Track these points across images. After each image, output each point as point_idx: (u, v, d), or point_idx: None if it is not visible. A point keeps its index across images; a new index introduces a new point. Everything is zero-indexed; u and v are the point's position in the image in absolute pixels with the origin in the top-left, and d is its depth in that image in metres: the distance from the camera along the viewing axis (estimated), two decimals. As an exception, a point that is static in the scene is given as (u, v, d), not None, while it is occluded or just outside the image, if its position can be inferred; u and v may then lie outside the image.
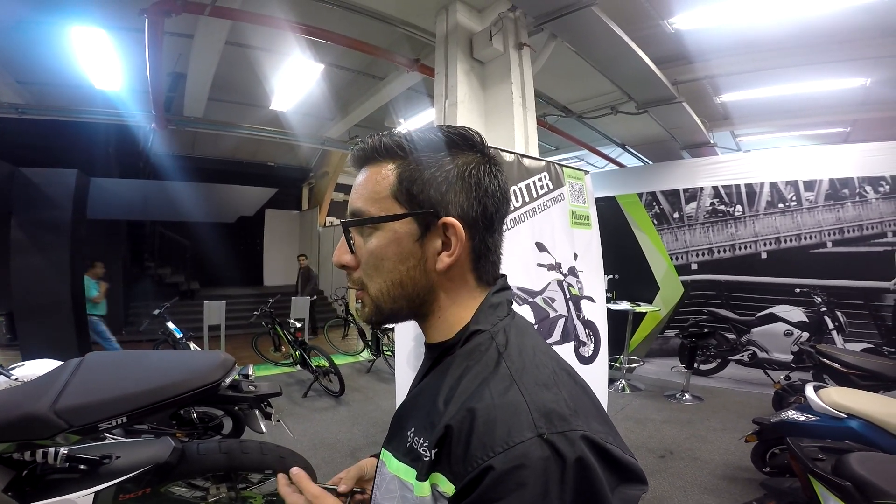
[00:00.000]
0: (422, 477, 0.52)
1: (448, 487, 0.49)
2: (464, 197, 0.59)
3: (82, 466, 1.52)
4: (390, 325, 5.65)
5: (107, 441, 1.82)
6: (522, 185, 2.74)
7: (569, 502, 0.43)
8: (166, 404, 1.63)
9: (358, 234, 0.62)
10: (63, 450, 1.49)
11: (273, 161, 11.36)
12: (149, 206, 9.12)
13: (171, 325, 4.89)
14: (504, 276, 0.68)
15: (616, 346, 4.45)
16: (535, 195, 2.79)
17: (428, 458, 0.52)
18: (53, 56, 4.69)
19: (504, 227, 0.66)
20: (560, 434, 0.46)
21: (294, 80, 5.29)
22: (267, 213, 12.62)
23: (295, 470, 0.72)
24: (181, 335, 4.79)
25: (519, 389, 0.50)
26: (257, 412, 2.25)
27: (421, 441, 0.54)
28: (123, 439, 2.03)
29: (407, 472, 0.56)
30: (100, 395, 1.50)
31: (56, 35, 4.29)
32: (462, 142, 0.61)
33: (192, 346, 4.78)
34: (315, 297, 8.26)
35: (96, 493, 1.48)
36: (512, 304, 0.66)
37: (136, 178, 9.11)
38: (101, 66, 4.67)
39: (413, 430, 0.57)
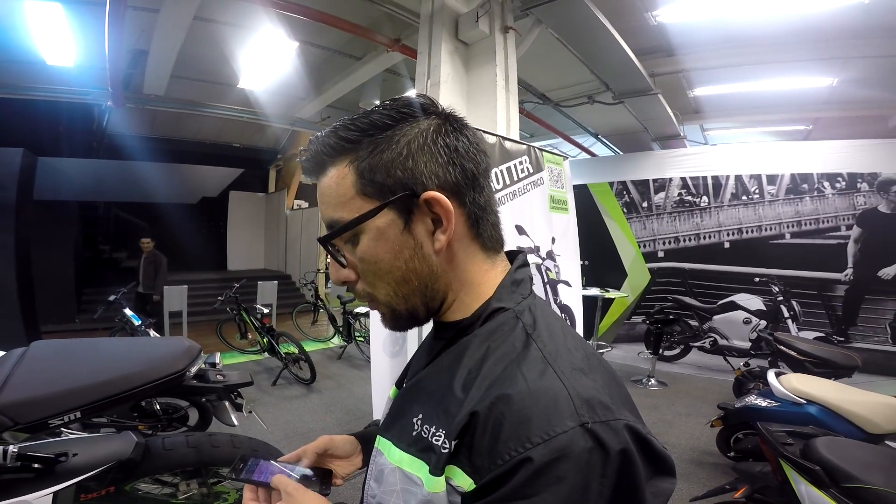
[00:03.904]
0: (436, 471, 0.47)
1: (464, 482, 0.45)
2: (435, 164, 0.52)
3: (36, 465, 1.39)
4: (363, 311, 5.46)
5: (62, 437, 1.68)
6: (503, 167, 2.72)
7: (608, 497, 0.40)
8: (125, 397, 1.51)
9: (343, 246, 0.56)
10: (13, 448, 1.35)
11: (239, 142, 10.89)
12: (103, 187, 8.67)
13: (128, 311, 4.62)
14: (524, 252, 0.63)
15: (585, 331, 4.53)
16: (515, 178, 2.78)
17: (447, 450, 0.47)
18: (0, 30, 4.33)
19: (491, 182, 0.60)
20: (604, 423, 0.42)
21: (265, 57, 5.05)
22: (231, 195, 12.24)
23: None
24: (139, 322, 4.52)
25: (556, 374, 0.46)
26: (227, 404, 2.13)
27: (433, 430, 0.49)
28: (81, 434, 1.89)
29: (413, 464, 0.51)
30: (48, 389, 1.38)
31: (5, 9, 3.96)
32: (412, 110, 0.54)
33: (152, 333, 4.54)
34: (158, 294, 6.40)
35: (55, 494, 1.36)
36: (533, 282, 0.62)
37: (89, 157, 8.56)
38: (55, 41, 4.35)
39: (421, 416, 0.52)
